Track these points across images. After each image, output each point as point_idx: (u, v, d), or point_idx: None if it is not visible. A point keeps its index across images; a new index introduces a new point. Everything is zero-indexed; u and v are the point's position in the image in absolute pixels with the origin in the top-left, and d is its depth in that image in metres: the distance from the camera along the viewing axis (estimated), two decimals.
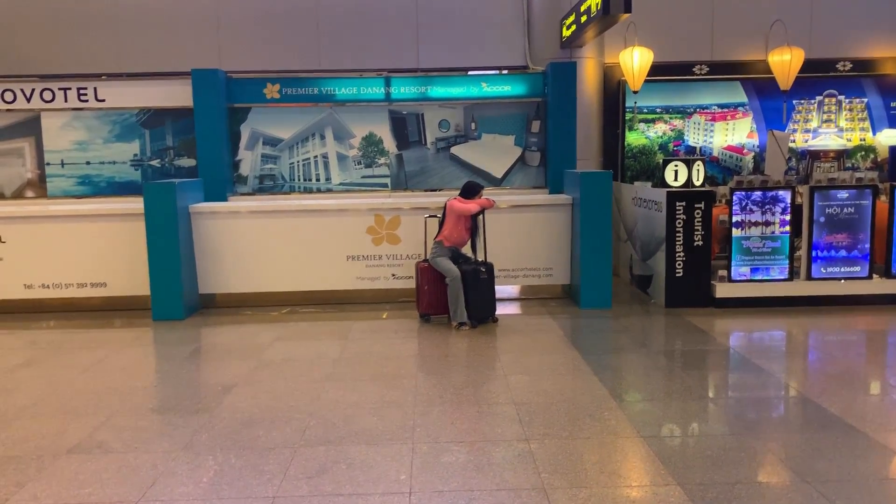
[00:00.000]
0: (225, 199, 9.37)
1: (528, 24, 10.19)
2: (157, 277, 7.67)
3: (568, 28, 9.37)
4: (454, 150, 9.77)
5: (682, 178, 7.82)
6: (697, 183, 7.86)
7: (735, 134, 10.29)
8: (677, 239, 7.68)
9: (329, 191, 9.77)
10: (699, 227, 7.67)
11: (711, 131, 10.29)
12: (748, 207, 7.66)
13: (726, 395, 5.17)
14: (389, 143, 9.73)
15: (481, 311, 7.13)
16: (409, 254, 8.09)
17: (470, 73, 9.83)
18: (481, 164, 9.78)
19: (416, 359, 6.05)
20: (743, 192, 7.65)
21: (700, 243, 7.68)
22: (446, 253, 7.09)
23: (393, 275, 8.16)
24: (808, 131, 10.14)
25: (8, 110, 9.55)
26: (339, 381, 5.48)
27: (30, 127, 9.63)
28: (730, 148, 10.33)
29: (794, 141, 9.92)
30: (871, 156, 10.28)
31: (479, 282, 7.05)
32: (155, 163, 9.80)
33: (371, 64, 10.19)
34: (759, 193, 7.65)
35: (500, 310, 7.52)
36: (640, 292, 8.59)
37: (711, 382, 5.41)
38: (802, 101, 10.25)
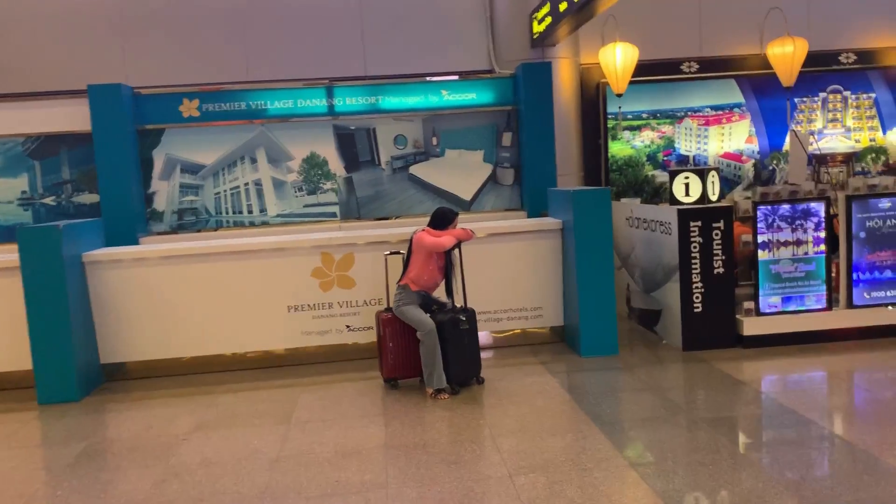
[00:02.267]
0: (135, 242, 7.67)
1: (492, 21, 8.79)
2: (41, 349, 5.93)
3: (540, 22, 7.98)
4: (413, 169, 8.26)
5: (696, 193, 6.44)
6: (713, 198, 6.50)
7: (732, 139, 9.03)
8: (693, 266, 6.29)
9: (265, 225, 8.15)
10: (719, 251, 6.29)
11: (705, 137, 9.01)
12: (775, 224, 6.33)
13: (832, 491, 3.72)
14: (336, 165, 8.17)
15: (464, 371, 5.60)
16: (366, 299, 6.52)
17: (427, 79, 8.36)
18: (446, 184, 8.29)
19: (384, 453, 4.47)
20: (768, 207, 6.32)
21: (721, 270, 6.30)
22: (414, 299, 5.55)
23: (347, 327, 6.56)
24: (812, 133, 8.93)
25: None
26: (277, 500, 3.88)
27: None
28: (727, 156, 9.06)
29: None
30: (883, 157, 9.12)
31: (460, 334, 5.52)
32: (49, 200, 8.04)
33: (310, 73, 8.63)
34: (787, 207, 6.32)
35: (485, 365, 6.02)
36: (644, 329, 7.17)
37: (800, 469, 3.96)
38: (805, 99, 9.06)
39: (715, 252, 6.29)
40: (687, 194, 6.47)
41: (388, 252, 5.97)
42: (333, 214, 8.21)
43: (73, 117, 7.92)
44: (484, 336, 6.74)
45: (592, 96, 8.96)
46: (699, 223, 6.26)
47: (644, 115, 8.99)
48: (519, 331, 6.84)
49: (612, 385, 5.57)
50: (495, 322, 6.69)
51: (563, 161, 8.50)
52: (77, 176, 8.02)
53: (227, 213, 8.14)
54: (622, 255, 7.55)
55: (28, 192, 7.97)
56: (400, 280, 5.64)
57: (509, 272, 6.64)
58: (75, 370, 5.98)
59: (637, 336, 7.02)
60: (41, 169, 7.97)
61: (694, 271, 6.29)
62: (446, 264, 5.60)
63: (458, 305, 5.68)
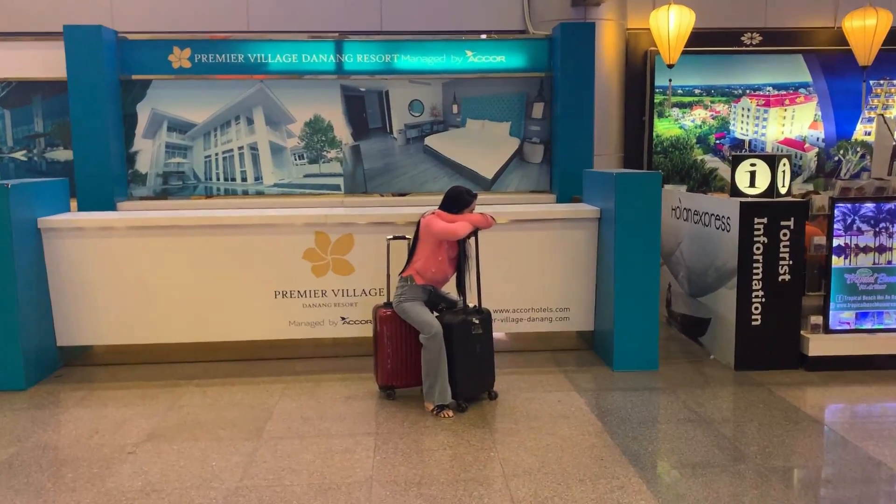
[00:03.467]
0: (112, 207, 6.78)
1: None
2: None
3: None
4: (429, 140, 7.28)
5: (762, 184, 5.40)
6: (783, 190, 5.46)
7: (794, 123, 7.94)
8: (755, 271, 5.28)
9: (260, 195, 7.22)
10: (786, 255, 5.27)
11: (764, 120, 7.92)
12: (855, 226, 5.29)
13: None
14: (342, 131, 7.20)
15: (474, 384, 4.66)
16: (366, 288, 5.59)
17: (450, 37, 7.32)
18: (465, 159, 7.30)
19: (369, 492, 3.55)
20: (849, 205, 5.28)
21: (786, 277, 5.29)
22: (419, 295, 4.61)
23: (342, 318, 5.64)
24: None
25: None
26: None
27: None
28: (787, 142, 7.97)
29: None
30: None
31: (471, 340, 4.57)
32: (20, 155, 7.15)
33: (318, 25, 7.63)
34: (871, 206, 5.27)
35: (497, 376, 5.09)
36: (686, 339, 6.19)
37: None
38: (881, 82, 7.93)
39: (781, 255, 5.27)
40: (752, 185, 5.44)
41: (390, 236, 5.00)
42: (337, 187, 7.26)
43: (50, 62, 7.01)
44: (499, 338, 5.78)
45: (639, 66, 7.89)
46: (765, 220, 5.24)
47: (696, 91, 7.91)
48: (541, 334, 5.88)
49: (651, 412, 4.60)
50: (514, 323, 5.73)
51: (600, 139, 7.48)
52: (52, 129, 7.11)
53: (217, 179, 7.21)
54: (665, 251, 6.53)
55: None
56: (403, 271, 4.69)
57: (533, 266, 5.66)
58: (22, 354, 5.11)
59: (678, 347, 6.03)
60: (12, 119, 7.08)
61: (755, 276, 5.28)
62: (459, 255, 4.63)
63: (471, 305, 4.72)
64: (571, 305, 5.75)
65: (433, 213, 4.61)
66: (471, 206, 4.62)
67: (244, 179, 7.22)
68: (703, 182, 7.88)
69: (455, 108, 7.27)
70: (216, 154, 7.18)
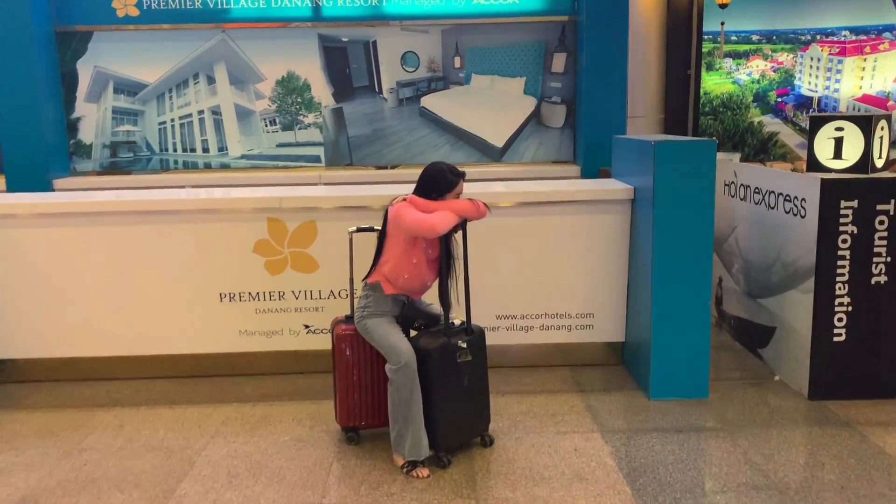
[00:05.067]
0: (46, 185, 5.68)
1: None
2: None
3: None
4: (426, 101, 6.02)
5: (852, 154, 4.07)
6: (880, 163, 4.12)
7: (876, 76, 6.50)
8: (839, 270, 3.98)
9: (225, 168, 6.06)
10: (882, 250, 3.96)
11: (838, 72, 6.49)
12: None
13: None
14: (321, 91, 5.98)
15: (459, 430, 3.48)
16: (334, 290, 4.42)
17: None
18: (470, 124, 6.05)
19: None
20: None
21: (882, 279, 3.98)
22: (388, 309, 3.42)
23: (306, 327, 4.48)
24: None
25: None
26: None
27: None
28: (866, 99, 6.54)
29: None
30: None
31: (457, 371, 3.38)
32: None
33: None
34: None
35: (500, 402, 3.91)
36: (740, 348, 4.92)
37: None
38: None
39: (876, 251, 3.96)
40: (837, 156, 4.11)
41: (353, 228, 3.78)
42: (316, 159, 6.07)
43: None
44: (502, 350, 4.58)
45: (683, 7, 6.48)
46: (855, 203, 3.92)
47: (754, 38, 6.50)
48: (557, 345, 4.65)
49: (700, 470, 3.37)
50: (523, 332, 4.52)
51: (635, 98, 6.17)
52: None
53: (175, 150, 6.06)
54: (716, 236, 5.23)
55: None
56: (367, 276, 3.50)
57: (547, 260, 4.42)
58: None
59: (732, 361, 4.76)
60: None
61: (839, 278, 3.98)
62: (442, 255, 3.40)
63: (457, 321, 3.50)
64: (597, 310, 4.51)
65: (404, 199, 3.38)
66: (455, 190, 3.37)
67: (206, 150, 6.06)
68: (761, 149, 6.51)
69: (458, 62, 5.99)
70: (172, 120, 6.02)
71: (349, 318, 3.61)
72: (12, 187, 5.61)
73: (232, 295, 4.43)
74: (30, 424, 3.98)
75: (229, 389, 4.40)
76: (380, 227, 3.51)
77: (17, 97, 5.59)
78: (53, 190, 5.73)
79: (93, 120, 5.99)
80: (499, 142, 6.08)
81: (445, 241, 3.39)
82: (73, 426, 3.94)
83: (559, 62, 6.01)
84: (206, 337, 4.48)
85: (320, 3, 5.86)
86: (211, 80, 5.94)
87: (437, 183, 3.34)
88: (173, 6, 5.85)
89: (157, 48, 5.90)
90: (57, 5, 5.81)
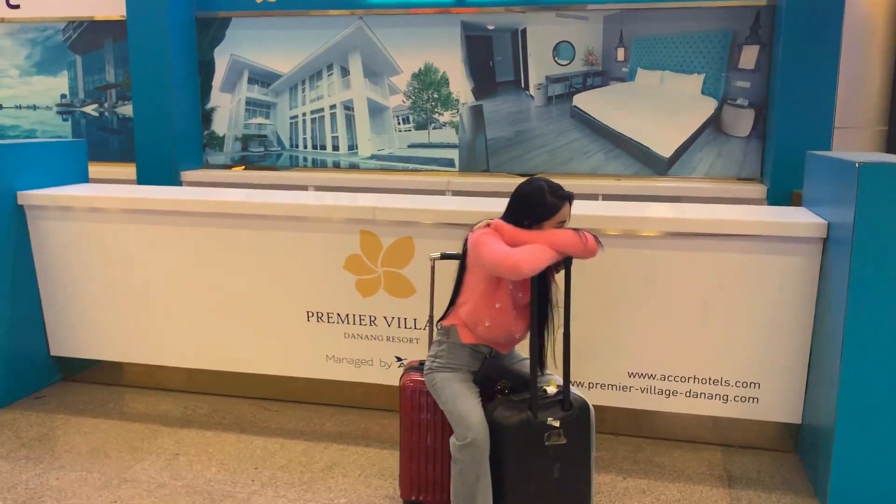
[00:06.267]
0: (174, 178, 5.50)
1: None
2: None
3: None
4: (579, 100, 5.14)
5: None
6: None
7: None
8: None
9: (354, 168, 5.56)
10: None
11: None
12: None
13: None
14: (460, 86, 5.30)
15: None
16: (436, 316, 3.68)
17: None
18: (632, 128, 5.09)
19: None
20: None
21: None
22: (463, 362, 2.64)
23: (398, 359, 3.80)
24: None
25: None
26: None
27: None
28: None
29: None
30: None
31: (543, 457, 2.52)
32: (91, 109, 6.09)
33: None
34: None
35: (616, 486, 3.00)
36: None
37: None
38: None
39: None
40: None
41: (436, 254, 3.02)
42: (450, 162, 5.39)
43: None
44: (630, 418, 3.61)
45: None
46: None
47: None
48: (708, 419, 3.59)
49: None
50: (662, 397, 3.53)
51: (848, 104, 4.88)
52: (124, 79, 5.96)
53: (304, 146, 5.66)
54: None
55: (68, 97, 6.08)
56: (443, 317, 2.74)
57: (702, 308, 3.40)
58: None
59: None
60: (83, 66, 6.02)
61: None
62: (532, 302, 2.55)
63: (551, 389, 2.63)
64: (765, 380, 3.41)
65: (488, 223, 2.58)
66: (556, 217, 2.51)
67: (335, 148, 5.59)
68: None
69: (621, 54, 5.04)
70: (304, 114, 5.61)
71: (420, 365, 2.88)
72: (143, 179, 5.47)
73: (320, 315, 3.86)
74: (90, 438, 3.64)
75: (309, 420, 3.84)
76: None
77: (152, 85, 5.44)
78: (181, 183, 5.53)
79: (227, 111, 5.74)
80: (666, 151, 5.05)
81: (540, 282, 2.54)
82: (129, 447, 3.54)
83: (749, 57, 4.86)
84: (292, 358, 3.93)
85: None
86: (345, 71, 5.45)
87: (532, 206, 2.50)
88: None
89: (292, 36, 5.52)
90: None
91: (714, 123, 4.98)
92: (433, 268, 2.96)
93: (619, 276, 3.40)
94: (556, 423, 2.51)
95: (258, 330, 3.92)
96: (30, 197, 4.07)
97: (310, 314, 3.87)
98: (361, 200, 3.84)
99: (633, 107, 5.05)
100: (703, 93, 4.95)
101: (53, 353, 4.30)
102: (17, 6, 5.94)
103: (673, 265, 3.39)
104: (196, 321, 3.98)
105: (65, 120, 6.08)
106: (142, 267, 4.01)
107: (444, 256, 2.92)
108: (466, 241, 2.61)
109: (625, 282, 3.40)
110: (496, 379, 2.68)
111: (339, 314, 3.84)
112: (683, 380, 3.50)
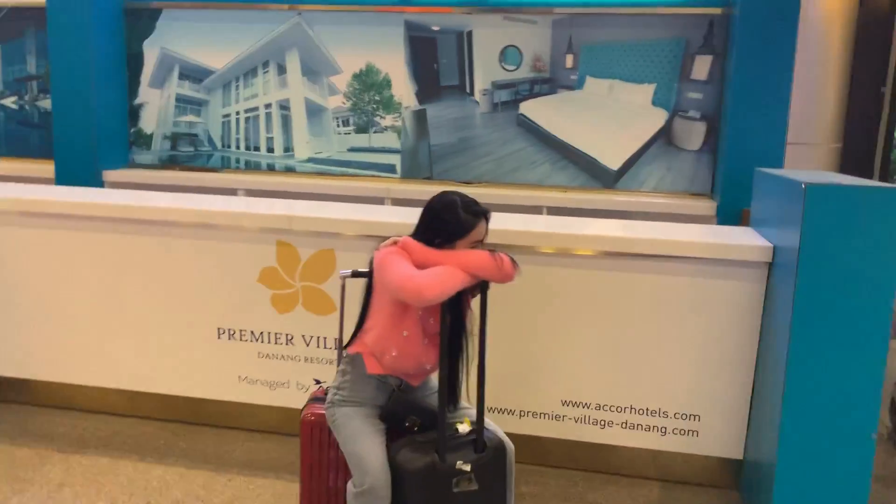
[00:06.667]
0: (95, 179, 5.13)
1: None
2: None
3: None
4: (526, 107, 4.90)
5: None
6: None
7: None
8: None
9: (290, 171, 5.24)
10: None
11: None
12: None
13: None
14: (403, 89, 5.02)
15: None
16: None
17: None
18: (579, 139, 4.86)
19: None
20: None
21: None
22: (368, 395, 2.36)
23: (317, 382, 3.46)
24: None
25: None
26: None
27: None
28: None
29: None
30: None
31: (452, 503, 2.25)
32: (10, 102, 5.69)
33: None
34: None
35: None
36: None
37: None
38: None
39: None
40: None
41: (347, 271, 2.73)
42: (391, 168, 5.11)
43: None
44: (563, 449, 3.35)
45: (882, 4, 4.91)
46: None
47: None
48: (646, 451, 3.36)
49: None
50: (597, 427, 3.28)
51: (801, 119, 4.71)
52: (46, 70, 5.57)
53: (238, 147, 5.33)
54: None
55: None
56: (348, 343, 2.45)
57: (640, 334, 3.16)
58: None
59: None
60: (2, 56, 5.62)
61: None
62: (442, 329, 2.27)
63: (464, 426, 2.35)
64: (705, 412, 3.19)
65: (394, 242, 2.30)
66: (470, 236, 2.24)
67: (270, 150, 5.27)
68: None
69: (570, 60, 4.81)
70: (238, 113, 5.29)
71: (322, 396, 2.59)
72: (62, 177, 5.10)
73: (232, 332, 3.55)
74: None
75: (217, 446, 3.51)
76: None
77: (73, 78, 5.07)
78: (102, 183, 5.16)
79: (155, 107, 5.39)
80: (614, 163, 4.83)
81: (452, 308, 2.27)
82: (9, 477, 3.19)
83: (702, 67, 4.67)
84: (201, 378, 3.62)
85: None
86: (282, 69, 5.15)
87: (444, 223, 2.23)
88: None
89: (227, 30, 5.19)
90: None
91: (664, 136, 4.77)
92: (343, 286, 2.67)
93: (555, 296, 3.15)
94: (467, 468, 2.24)
95: (166, 346, 3.60)
96: None
97: (221, 331, 3.56)
98: (278, 208, 3.53)
99: (581, 116, 4.83)
100: (653, 103, 4.74)
101: None
102: None
103: (610, 287, 3.15)
104: (98, 335, 3.65)
105: None
106: (37, 275, 3.66)
107: (356, 274, 2.62)
108: (372, 260, 2.32)
109: (560, 303, 3.15)
110: (404, 415, 2.39)
111: (252, 331, 3.53)
112: (620, 409, 3.26)
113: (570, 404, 3.28)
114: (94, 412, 3.81)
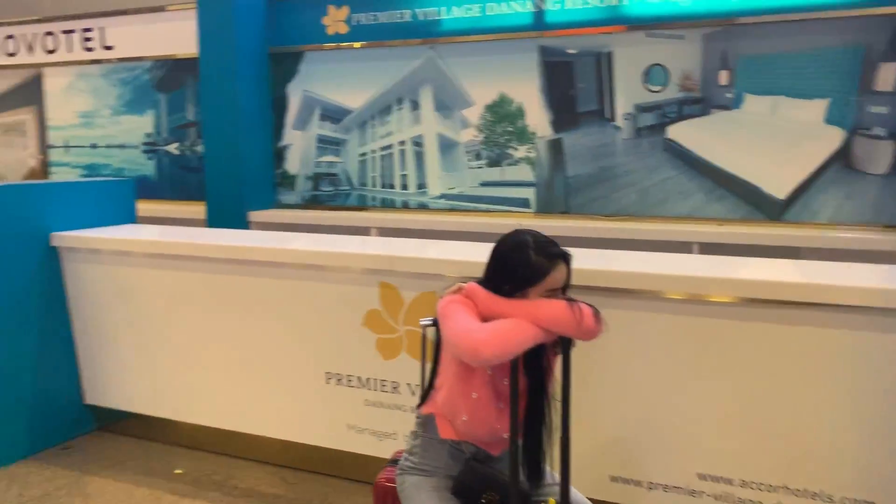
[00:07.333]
0: (243, 220, 5.28)
1: None
2: None
3: None
4: (675, 131, 4.41)
5: None
6: None
7: None
8: None
9: (423, 209, 5.10)
10: None
11: None
12: None
13: None
14: (537, 117, 4.72)
15: None
16: None
17: None
18: (738, 165, 4.29)
19: None
20: None
21: None
22: (440, 462, 2.05)
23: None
24: None
25: (8, 65, 6.56)
26: None
27: (31, 92, 6.54)
28: None
29: None
30: None
31: None
32: (173, 148, 6.06)
33: None
34: None
35: None
36: None
37: None
38: None
39: None
40: None
41: (428, 320, 2.45)
42: (525, 203, 4.80)
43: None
44: None
45: None
46: None
47: None
48: None
49: None
50: None
51: None
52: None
53: (373, 185, 5.27)
54: None
55: (152, 136, 6.08)
56: (421, 403, 2.17)
57: (794, 399, 2.59)
58: (15, 414, 3.76)
59: None
60: (167, 105, 6.00)
61: None
62: (511, 391, 1.91)
63: (548, 495, 1.96)
64: (881, 498, 2.54)
65: (458, 288, 1.98)
66: (545, 282, 1.88)
67: (404, 187, 5.16)
68: None
69: (724, 77, 4.26)
70: (373, 151, 5.24)
71: (394, 462, 2.31)
72: (213, 219, 5.30)
73: (339, 377, 3.39)
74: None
75: (322, 497, 3.35)
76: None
77: (222, 124, 5.27)
78: (248, 224, 5.30)
79: (299, 149, 5.48)
80: (780, 192, 4.19)
81: (531, 367, 1.91)
82: None
83: (887, 76, 3.93)
84: (308, 424, 3.49)
85: (544, 8, 4.60)
86: (415, 105, 5.04)
87: (513, 268, 1.89)
88: (382, 20, 5.09)
89: (363, 69, 5.18)
90: (273, 25, 5.41)
91: (842, 158, 4.07)
92: (423, 336, 2.39)
93: (687, 351, 2.67)
94: None
95: (282, 390, 3.51)
96: (62, 238, 3.92)
97: (329, 376, 3.40)
98: (380, 248, 3.34)
99: (739, 139, 4.25)
100: (827, 121, 4.07)
101: (88, 401, 4.10)
102: (111, 47, 6.04)
103: (754, 340, 2.61)
104: (219, 376, 3.63)
105: (150, 158, 6.09)
106: (163, 315, 3.73)
107: (431, 323, 2.34)
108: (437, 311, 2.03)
109: (695, 359, 2.66)
110: (480, 490, 2.05)
111: (359, 377, 3.34)
112: (770, 489, 2.69)
113: (708, 478, 2.75)
114: (214, 452, 3.80)
